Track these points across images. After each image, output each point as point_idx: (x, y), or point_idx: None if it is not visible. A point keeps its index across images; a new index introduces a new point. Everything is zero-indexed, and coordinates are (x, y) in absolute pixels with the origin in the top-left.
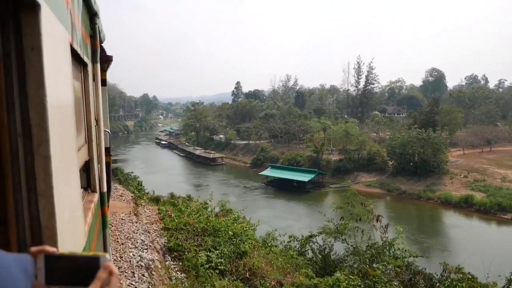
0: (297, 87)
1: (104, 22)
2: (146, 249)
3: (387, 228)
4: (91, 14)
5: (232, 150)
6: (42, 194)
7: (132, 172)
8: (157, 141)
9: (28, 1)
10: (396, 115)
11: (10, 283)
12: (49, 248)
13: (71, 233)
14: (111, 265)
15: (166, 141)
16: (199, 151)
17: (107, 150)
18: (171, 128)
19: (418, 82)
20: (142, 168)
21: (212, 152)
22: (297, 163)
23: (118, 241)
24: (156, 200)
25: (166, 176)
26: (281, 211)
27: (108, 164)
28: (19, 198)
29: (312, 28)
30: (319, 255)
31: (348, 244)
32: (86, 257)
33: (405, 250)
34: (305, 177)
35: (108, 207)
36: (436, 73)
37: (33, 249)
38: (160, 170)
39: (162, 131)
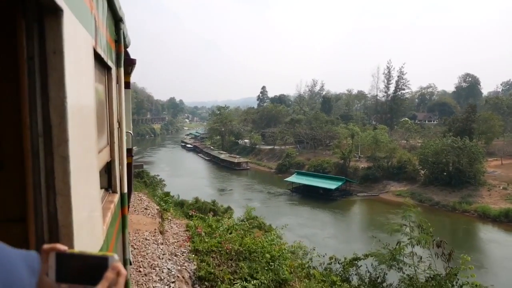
0: (323, 92)
1: (133, 28)
2: (173, 281)
3: (450, 256)
4: (116, 20)
5: (257, 155)
6: (60, 193)
7: (158, 175)
8: (183, 144)
9: (51, 6)
10: (427, 122)
11: (14, 278)
12: (61, 246)
13: (88, 232)
14: (119, 265)
15: (191, 145)
16: (224, 155)
17: (129, 151)
18: (196, 132)
19: (450, 88)
20: (167, 171)
21: (237, 156)
22: (323, 169)
23: (140, 271)
24: (181, 204)
25: (191, 179)
26: (306, 219)
27: (129, 165)
28: (38, 196)
29: (338, 32)
30: (368, 284)
31: (403, 273)
32: (95, 256)
33: (476, 286)
34: (332, 185)
35: (128, 207)
36: (470, 79)
37: (45, 246)
38: (185, 173)
39: (187, 135)
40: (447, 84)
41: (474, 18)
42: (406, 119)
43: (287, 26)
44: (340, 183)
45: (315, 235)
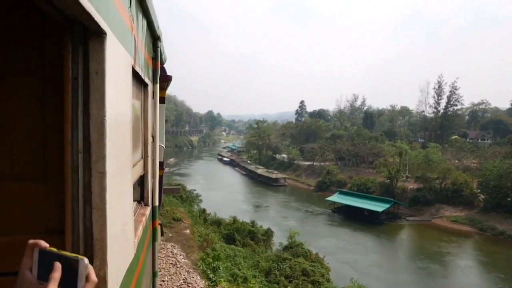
0: (365, 108)
1: (175, 44)
2: None
3: None
4: (154, 38)
5: (295, 170)
6: (97, 208)
7: (194, 190)
8: (219, 157)
9: (96, 30)
10: (479, 140)
11: None
12: (42, 243)
13: (121, 245)
14: (90, 270)
15: (228, 158)
16: (261, 170)
17: (161, 164)
18: (233, 145)
19: (503, 105)
20: (203, 183)
21: (275, 172)
22: (367, 189)
23: None
24: (217, 223)
25: (226, 193)
26: (347, 243)
27: (160, 178)
28: (75, 210)
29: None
30: None
31: None
32: (69, 257)
33: None
34: (378, 207)
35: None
36: None
37: (30, 242)
38: (221, 187)
39: (224, 148)
40: (499, 100)
41: None
42: (457, 137)
43: (326, 41)
44: (388, 205)
45: (358, 262)
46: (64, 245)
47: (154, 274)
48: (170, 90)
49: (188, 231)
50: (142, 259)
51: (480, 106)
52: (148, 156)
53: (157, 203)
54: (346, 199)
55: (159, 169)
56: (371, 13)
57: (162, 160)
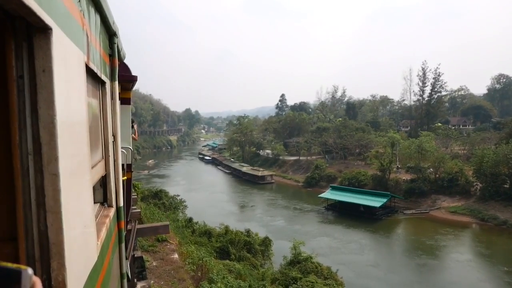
0: (345, 99)
1: (148, 42)
2: None
3: None
4: (110, 34)
5: (281, 166)
6: (51, 211)
7: (178, 195)
8: (201, 156)
9: (40, 25)
10: (461, 126)
11: None
12: None
13: (81, 249)
14: (36, 281)
15: (209, 157)
16: (246, 168)
17: (129, 166)
18: (213, 143)
19: (479, 91)
20: (184, 185)
21: (261, 169)
22: (359, 182)
23: None
24: (208, 234)
25: (209, 194)
26: (340, 241)
27: (129, 180)
28: (28, 214)
29: (352, 40)
30: None
31: None
32: (7, 268)
33: None
34: (375, 202)
35: (127, 223)
36: (504, 79)
37: None
38: (203, 187)
39: (204, 146)
40: (475, 86)
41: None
42: (439, 124)
43: (299, 35)
44: (385, 200)
45: (355, 262)
46: (17, 251)
47: (122, 276)
48: (146, 89)
49: (176, 255)
50: (107, 261)
51: (459, 93)
52: (109, 156)
53: (121, 204)
54: (340, 195)
55: (128, 171)
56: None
57: (130, 163)
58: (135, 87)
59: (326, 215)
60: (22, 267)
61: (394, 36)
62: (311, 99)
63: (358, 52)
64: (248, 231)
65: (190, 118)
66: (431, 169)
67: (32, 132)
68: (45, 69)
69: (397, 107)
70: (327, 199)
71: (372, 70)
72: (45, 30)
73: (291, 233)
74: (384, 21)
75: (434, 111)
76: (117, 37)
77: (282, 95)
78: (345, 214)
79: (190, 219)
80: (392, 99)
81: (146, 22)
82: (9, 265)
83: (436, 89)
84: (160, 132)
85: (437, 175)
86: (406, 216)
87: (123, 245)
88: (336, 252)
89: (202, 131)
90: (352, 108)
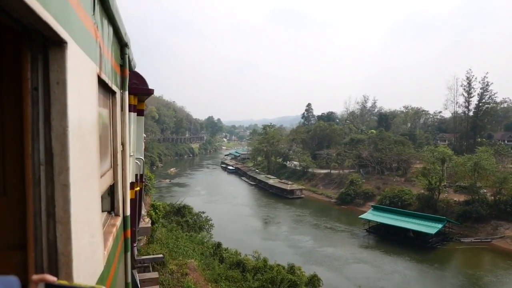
0: (375, 109)
1: (173, 52)
2: None
3: None
4: (121, 45)
5: (311, 180)
6: (60, 221)
7: (203, 212)
8: (223, 165)
9: (56, 39)
10: (506, 142)
11: None
12: (50, 277)
13: (88, 259)
14: None
15: (233, 166)
16: (273, 181)
17: (140, 177)
18: (236, 152)
19: None
20: (205, 196)
21: (289, 182)
22: (402, 202)
23: None
24: (240, 266)
25: (231, 206)
26: (380, 270)
27: (140, 191)
28: (38, 224)
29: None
30: None
31: None
32: None
33: None
34: (428, 228)
35: (133, 231)
36: None
37: (34, 277)
38: (226, 198)
39: (227, 155)
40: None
41: None
42: (483, 139)
43: (323, 45)
44: (440, 226)
45: None
46: (26, 260)
47: (127, 285)
48: (169, 96)
49: None
50: (113, 270)
51: (503, 105)
52: (117, 165)
53: (128, 213)
54: (384, 216)
55: (140, 182)
56: (366, 18)
57: (142, 173)
58: (159, 94)
59: (365, 239)
60: (97, 286)
61: (424, 44)
62: (337, 109)
63: (383, 60)
64: (292, 267)
65: (213, 126)
66: (485, 190)
67: (45, 143)
68: (59, 81)
69: (431, 120)
70: (369, 221)
71: (399, 79)
72: (61, 44)
73: (322, 257)
74: (414, 29)
75: (482, 124)
76: (128, 48)
77: (309, 104)
78: (389, 239)
79: (219, 245)
80: (427, 111)
81: (170, 33)
82: (83, 285)
83: (484, 100)
84: (182, 140)
85: (498, 198)
86: (464, 246)
87: (129, 254)
88: (375, 285)
89: (224, 139)
90: (385, 120)
